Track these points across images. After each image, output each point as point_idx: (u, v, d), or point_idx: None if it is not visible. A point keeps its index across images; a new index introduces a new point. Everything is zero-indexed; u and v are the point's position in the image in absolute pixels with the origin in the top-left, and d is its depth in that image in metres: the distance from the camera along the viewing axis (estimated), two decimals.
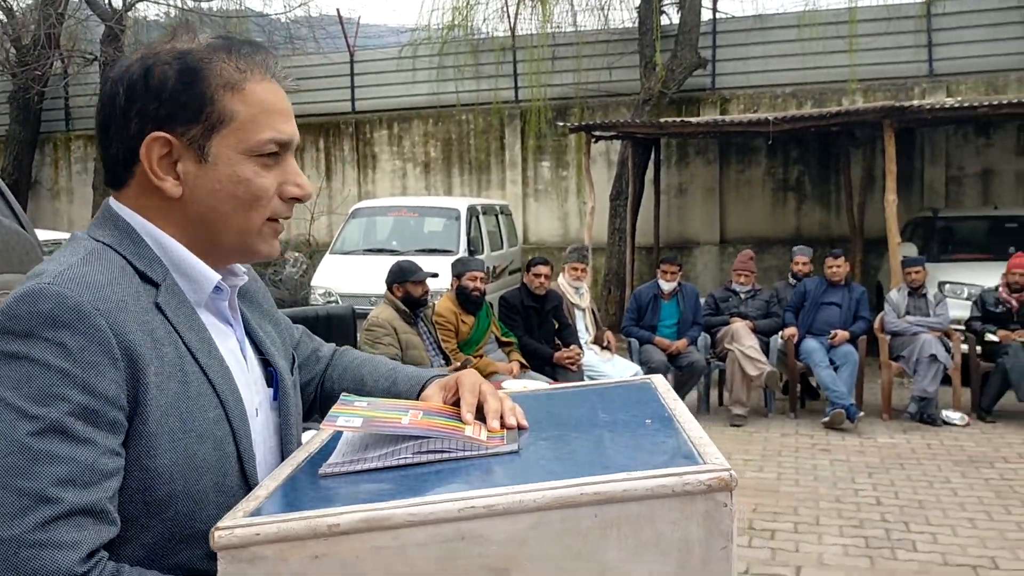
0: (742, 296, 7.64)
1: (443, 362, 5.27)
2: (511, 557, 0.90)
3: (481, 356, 5.95)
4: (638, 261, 11.57)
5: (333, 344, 1.52)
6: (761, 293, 7.71)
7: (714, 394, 7.59)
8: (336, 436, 1.18)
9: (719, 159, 12.63)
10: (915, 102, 9.07)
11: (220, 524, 0.90)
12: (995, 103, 8.56)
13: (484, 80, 13.42)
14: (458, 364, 5.08)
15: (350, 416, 1.12)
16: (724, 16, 12.95)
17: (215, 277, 1.10)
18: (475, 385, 1.19)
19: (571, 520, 0.91)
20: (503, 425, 1.15)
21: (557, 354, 6.41)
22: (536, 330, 6.54)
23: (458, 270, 6.01)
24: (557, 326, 6.70)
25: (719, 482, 0.92)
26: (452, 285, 6.03)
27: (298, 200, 1.12)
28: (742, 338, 7.12)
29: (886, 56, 12.01)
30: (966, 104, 8.57)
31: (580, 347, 6.65)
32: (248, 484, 1.07)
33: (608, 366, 6.72)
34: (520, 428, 1.16)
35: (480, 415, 1.16)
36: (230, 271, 1.16)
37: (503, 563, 0.90)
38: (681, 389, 7.19)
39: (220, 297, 1.13)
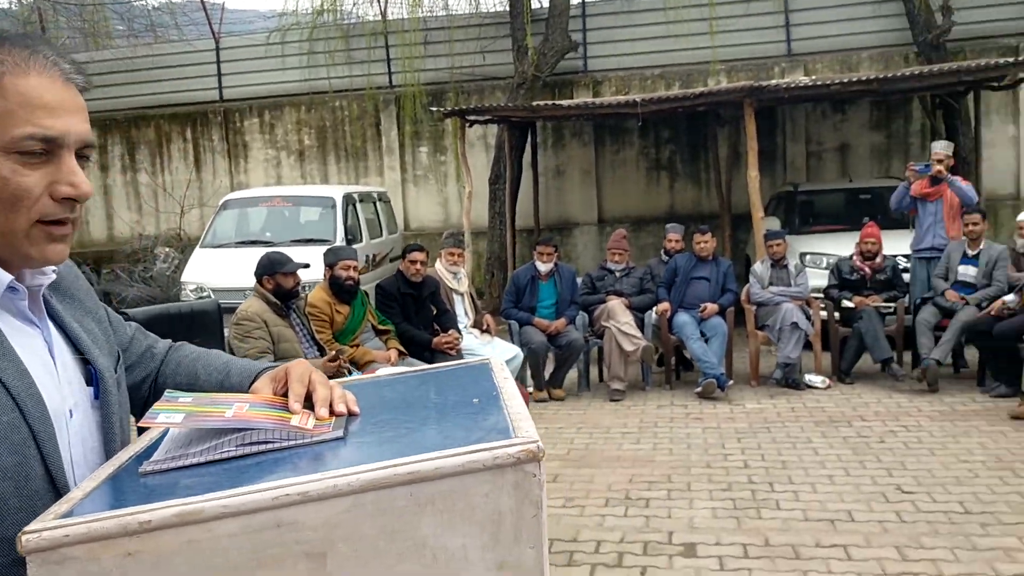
0: (617, 274, 7.82)
1: (317, 353, 5.21)
2: (327, 540, 0.92)
3: (358, 345, 5.92)
4: (519, 244, 11.67)
5: (169, 340, 1.50)
6: (635, 271, 7.91)
7: (594, 371, 7.75)
8: (165, 434, 1.17)
9: (594, 141, 12.87)
10: (773, 81, 9.43)
11: (27, 528, 0.89)
12: (846, 80, 8.99)
13: (356, 66, 13.25)
14: (333, 354, 5.03)
15: (171, 412, 1.11)
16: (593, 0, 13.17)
17: (6, 278, 1.07)
18: (304, 375, 1.20)
19: (385, 501, 0.93)
20: (332, 413, 1.16)
21: (436, 339, 6.44)
22: (414, 316, 6.54)
23: (330, 260, 5.94)
24: (435, 312, 6.72)
25: (527, 454, 0.96)
26: (325, 275, 5.96)
27: (74, 200, 1.08)
28: (618, 315, 7.30)
29: (746, 37, 12.47)
30: (820, 83, 8.96)
31: (459, 331, 6.69)
32: (56, 487, 1.05)
33: (488, 349, 6.77)
34: (351, 414, 1.18)
35: (309, 404, 1.17)
36: (37, 270, 1.12)
37: (320, 547, 0.92)
38: (561, 367, 7.35)
39: (18, 297, 1.10)
